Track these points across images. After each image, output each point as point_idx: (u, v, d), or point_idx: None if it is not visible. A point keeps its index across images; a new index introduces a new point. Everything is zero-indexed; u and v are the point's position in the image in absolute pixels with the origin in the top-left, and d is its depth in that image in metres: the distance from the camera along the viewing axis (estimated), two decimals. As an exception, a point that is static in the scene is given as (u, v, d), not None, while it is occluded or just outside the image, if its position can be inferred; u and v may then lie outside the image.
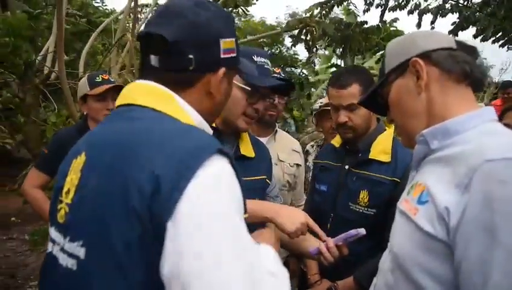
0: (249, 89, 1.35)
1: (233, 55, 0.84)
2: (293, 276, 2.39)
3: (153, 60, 0.77)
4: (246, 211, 0.72)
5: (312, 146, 2.53)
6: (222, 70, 0.80)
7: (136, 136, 0.68)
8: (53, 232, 0.75)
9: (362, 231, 1.32)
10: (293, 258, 2.36)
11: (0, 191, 4.80)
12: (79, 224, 0.68)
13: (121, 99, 0.78)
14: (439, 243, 0.77)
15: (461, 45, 0.92)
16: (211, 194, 0.61)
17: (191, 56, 0.76)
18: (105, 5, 6.03)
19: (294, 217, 1.29)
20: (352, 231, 1.33)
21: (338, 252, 1.33)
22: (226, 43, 0.81)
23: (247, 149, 1.51)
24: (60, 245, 0.71)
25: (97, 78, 2.09)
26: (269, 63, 1.43)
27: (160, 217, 0.59)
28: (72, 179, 0.73)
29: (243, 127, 1.40)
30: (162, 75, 0.77)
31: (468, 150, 0.79)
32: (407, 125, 0.97)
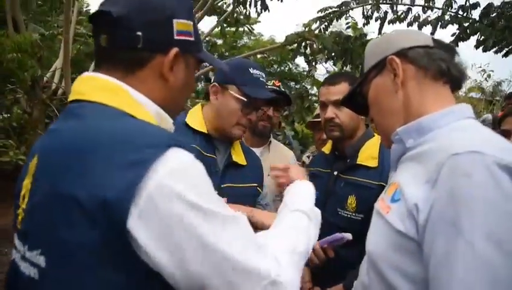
0: (245, 100, 1.40)
1: (190, 39, 0.80)
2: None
3: (102, 40, 0.74)
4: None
5: (308, 157, 2.55)
6: (174, 50, 0.76)
7: (83, 140, 0.66)
8: (16, 239, 0.73)
9: (348, 235, 1.31)
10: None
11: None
12: (35, 232, 0.66)
13: (71, 95, 0.75)
14: (409, 241, 0.76)
15: (438, 43, 0.92)
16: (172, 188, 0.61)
17: (139, 33, 0.72)
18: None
19: (270, 215, 1.33)
20: (338, 234, 1.33)
21: (324, 255, 1.33)
22: (180, 24, 0.78)
23: (239, 157, 1.54)
24: (21, 253, 0.69)
25: None
26: (264, 76, 1.49)
27: (119, 216, 0.58)
28: (26, 184, 0.71)
29: (236, 134, 1.44)
30: (111, 55, 0.74)
31: (437, 146, 0.79)
32: (384, 123, 0.97)
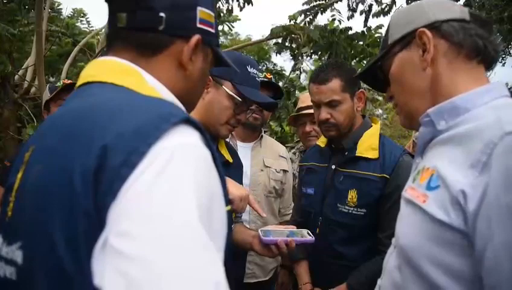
0: (240, 99, 1.30)
1: (211, 30, 0.75)
2: (282, 288, 2.29)
3: (119, 18, 0.68)
4: (227, 204, 0.61)
5: (294, 153, 2.46)
6: (196, 37, 0.70)
7: (86, 113, 0.56)
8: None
9: (312, 239, 1.31)
10: (283, 269, 2.26)
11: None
12: (18, 223, 0.56)
13: (79, 80, 0.68)
14: (454, 232, 0.67)
15: (475, 17, 0.82)
16: (168, 174, 0.48)
17: (162, 14, 0.67)
18: (92, 27, 5.94)
19: (239, 186, 1.27)
20: (311, 239, 1.31)
21: (285, 249, 1.28)
22: (204, 13, 0.73)
23: (227, 154, 1.46)
24: None
25: (58, 83, 2.13)
26: (260, 75, 1.41)
27: (104, 200, 0.46)
28: (19, 176, 0.61)
29: (224, 134, 1.36)
30: (128, 36, 0.68)
31: (482, 125, 0.70)
32: (409, 103, 0.88)
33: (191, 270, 0.44)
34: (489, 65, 0.84)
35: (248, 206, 1.30)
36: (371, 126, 1.59)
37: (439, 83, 0.82)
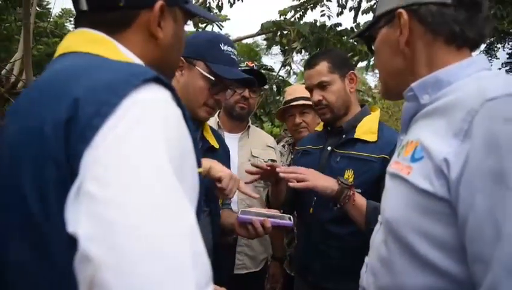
0: (213, 78, 1.27)
1: None
2: (273, 280, 2.28)
3: (80, 2, 0.68)
4: (199, 165, 0.62)
5: (283, 146, 2.45)
6: (159, 4, 0.69)
7: (58, 74, 0.57)
8: None
9: (290, 223, 1.32)
10: (274, 260, 2.26)
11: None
12: None
13: (56, 53, 0.68)
14: (438, 201, 0.68)
15: (460, 0, 0.79)
16: (140, 126, 0.48)
17: None
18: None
19: (227, 169, 1.27)
20: (289, 222, 1.31)
21: (262, 230, 1.30)
22: None
23: (212, 140, 1.44)
24: None
25: None
26: (235, 52, 1.36)
27: (76, 148, 0.47)
28: None
29: (203, 116, 1.33)
30: (93, 18, 0.67)
31: (464, 95, 0.70)
32: (386, 78, 0.90)
33: (166, 212, 0.45)
34: (472, 48, 0.83)
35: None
36: (370, 113, 1.63)
37: (416, 63, 0.82)
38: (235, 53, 1.36)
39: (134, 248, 0.42)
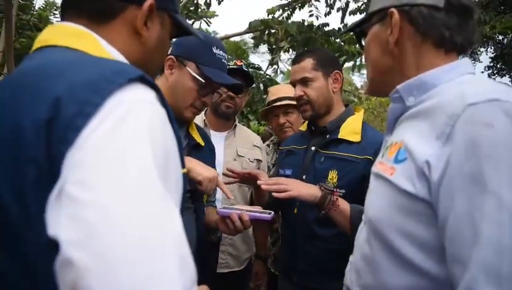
0: (203, 81, 1.27)
1: None
2: (257, 278, 2.29)
3: None
4: (184, 166, 0.61)
5: (268, 145, 2.46)
6: (149, 2, 0.68)
7: (36, 69, 0.54)
8: None
9: (268, 217, 1.32)
10: (257, 259, 2.26)
11: None
12: None
13: (34, 46, 0.65)
14: (420, 202, 0.69)
15: (452, 5, 0.80)
16: (124, 127, 0.47)
17: None
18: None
19: (208, 167, 1.28)
20: (267, 215, 1.31)
21: (242, 226, 1.31)
22: None
23: (198, 138, 1.44)
24: None
25: None
26: (226, 56, 1.37)
27: (58, 149, 0.45)
28: None
29: (188, 116, 1.34)
30: (79, 4, 0.66)
31: (447, 99, 0.71)
32: (374, 76, 0.91)
33: (151, 216, 0.44)
34: (459, 53, 0.84)
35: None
36: (354, 114, 1.64)
37: (405, 63, 0.84)
38: (226, 57, 1.37)
39: (118, 253, 0.40)
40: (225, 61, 1.36)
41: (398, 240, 0.73)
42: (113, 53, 0.66)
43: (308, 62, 1.59)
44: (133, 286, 0.40)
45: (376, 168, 0.84)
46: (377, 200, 0.80)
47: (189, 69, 1.28)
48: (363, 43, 0.95)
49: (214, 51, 1.31)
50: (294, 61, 1.65)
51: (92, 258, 0.40)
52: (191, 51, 1.29)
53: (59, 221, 0.42)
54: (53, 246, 0.42)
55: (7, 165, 0.47)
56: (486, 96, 0.65)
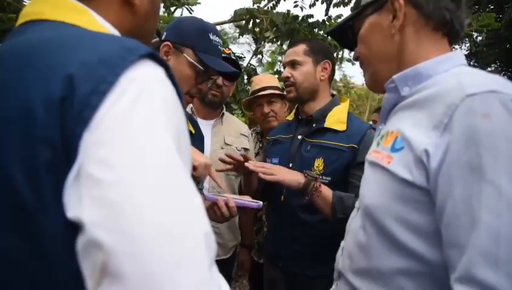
0: (201, 68, 1.26)
1: None
2: (242, 267, 2.31)
3: None
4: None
5: (251, 134, 2.48)
6: None
7: (42, 43, 0.51)
8: None
9: (256, 205, 1.33)
10: (243, 248, 2.28)
11: None
12: None
13: (21, 18, 0.61)
14: (417, 190, 0.71)
15: None
16: (140, 106, 0.46)
17: None
18: None
19: (202, 154, 1.29)
20: (254, 203, 1.33)
21: (228, 212, 1.33)
22: None
23: (189, 125, 1.44)
24: None
25: None
26: (222, 43, 1.36)
27: (73, 129, 0.43)
28: None
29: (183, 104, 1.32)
30: None
31: (444, 89, 0.74)
32: (374, 66, 0.92)
33: (175, 192, 0.44)
34: (453, 39, 0.88)
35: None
36: (339, 104, 1.69)
37: (405, 50, 0.85)
38: (222, 43, 1.35)
39: (147, 232, 0.40)
40: (221, 48, 1.34)
41: (394, 226, 0.75)
42: (108, 28, 0.63)
43: (301, 47, 1.65)
44: (164, 263, 0.40)
45: (371, 156, 0.86)
46: (373, 188, 0.82)
47: (186, 56, 1.26)
48: (359, 36, 0.95)
49: (211, 37, 1.29)
50: (289, 46, 1.73)
51: (120, 238, 0.39)
52: (187, 37, 1.27)
53: (81, 202, 0.41)
54: (71, 228, 0.41)
55: (18, 148, 0.45)
56: (485, 87, 0.68)
